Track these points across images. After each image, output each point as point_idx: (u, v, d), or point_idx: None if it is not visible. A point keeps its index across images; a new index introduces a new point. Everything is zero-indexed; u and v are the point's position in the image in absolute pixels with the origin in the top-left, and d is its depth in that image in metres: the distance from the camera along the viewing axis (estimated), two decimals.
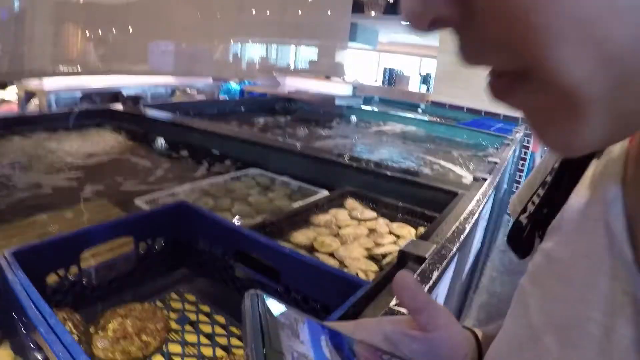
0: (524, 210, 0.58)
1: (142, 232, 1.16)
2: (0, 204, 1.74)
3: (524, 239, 0.57)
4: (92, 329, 1.03)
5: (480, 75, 0.29)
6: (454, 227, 1.24)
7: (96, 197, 1.89)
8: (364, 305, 0.84)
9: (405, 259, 1.05)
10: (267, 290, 1.04)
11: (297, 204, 1.76)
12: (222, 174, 2.08)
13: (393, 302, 0.84)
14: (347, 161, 2.01)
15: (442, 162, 2.91)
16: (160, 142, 2.64)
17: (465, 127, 4.09)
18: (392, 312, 0.81)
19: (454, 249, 1.10)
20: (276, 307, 0.43)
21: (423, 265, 1.00)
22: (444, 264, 1.01)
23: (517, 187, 4.08)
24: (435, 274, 0.97)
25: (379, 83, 10.97)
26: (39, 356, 0.81)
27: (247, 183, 2.02)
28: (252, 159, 2.29)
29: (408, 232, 1.63)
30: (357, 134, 3.98)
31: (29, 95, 3.72)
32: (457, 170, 2.72)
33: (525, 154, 5.00)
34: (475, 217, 1.37)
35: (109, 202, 1.85)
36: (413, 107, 5.47)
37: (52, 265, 0.99)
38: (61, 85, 3.80)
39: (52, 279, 1.00)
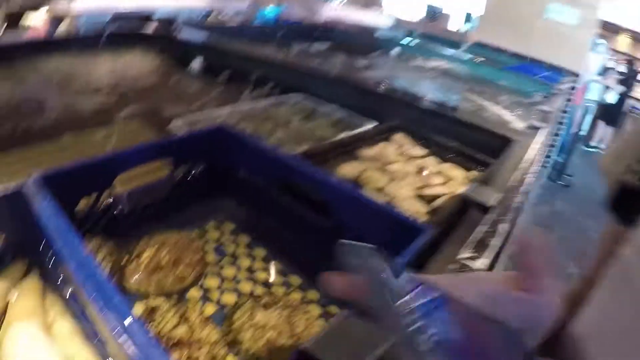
0: (631, 172, 0.50)
1: (181, 155, 1.08)
2: (32, 126, 1.66)
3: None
4: (124, 260, 0.97)
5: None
6: (516, 176, 1.12)
7: (130, 120, 1.81)
8: (429, 255, 0.75)
9: (466, 205, 0.94)
10: (314, 224, 1.00)
11: (342, 135, 1.66)
12: (263, 99, 1.99)
13: (464, 254, 0.75)
14: (395, 93, 1.88)
15: (487, 105, 2.77)
16: (196, 65, 2.53)
17: (511, 71, 3.91)
18: (462, 267, 0.72)
19: (519, 201, 0.99)
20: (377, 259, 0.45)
21: (492, 216, 0.90)
22: (510, 216, 0.91)
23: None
24: (503, 227, 0.86)
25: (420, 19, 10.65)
26: (67, 288, 0.75)
27: (289, 109, 1.92)
28: (293, 85, 2.16)
29: (459, 175, 1.53)
30: (397, 68, 3.81)
31: (57, 19, 3.62)
32: (505, 115, 2.58)
33: (567, 106, 4.79)
34: (537, 168, 1.25)
35: (144, 125, 1.77)
36: (455, 46, 5.26)
37: (84, 190, 0.92)
38: (91, 7, 3.70)
39: (83, 205, 0.94)
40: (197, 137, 1.12)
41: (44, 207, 0.76)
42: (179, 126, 1.52)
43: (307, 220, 1.03)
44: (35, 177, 0.82)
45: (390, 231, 0.86)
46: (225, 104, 1.88)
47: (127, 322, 0.54)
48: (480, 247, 0.77)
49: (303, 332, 0.89)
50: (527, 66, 4.53)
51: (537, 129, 1.66)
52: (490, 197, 0.94)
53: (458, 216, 0.90)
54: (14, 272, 0.88)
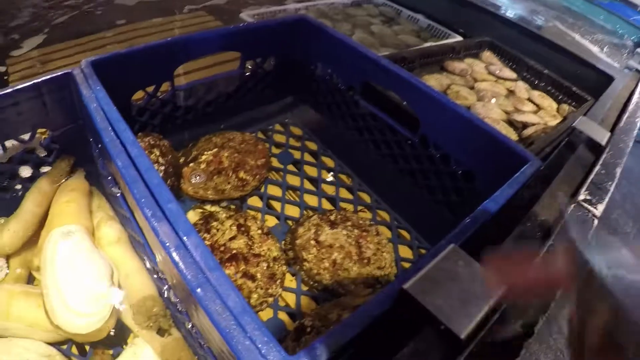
0: None
1: (251, 47, 0.96)
2: (84, 14, 1.58)
3: None
4: (181, 160, 0.89)
5: None
6: (622, 118, 0.97)
7: (194, 9, 1.71)
8: (539, 191, 0.64)
9: (575, 141, 0.80)
10: (395, 136, 0.89)
11: (427, 44, 1.52)
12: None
13: (581, 196, 0.63)
14: (487, 6, 1.70)
15: (577, 37, 2.52)
16: None
17: (605, 9, 3.60)
18: (583, 211, 0.61)
19: (630, 145, 0.85)
20: None
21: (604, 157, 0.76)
22: (623, 160, 0.78)
23: None
24: (618, 171, 0.74)
25: None
26: (115, 190, 0.68)
27: (370, 10, 1.78)
28: None
29: (550, 106, 1.38)
30: None
31: None
32: (596, 51, 2.34)
33: None
34: None
35: (209, 15, 1.67)
36: None
37: (139, 80, 0.83)
38: None
39: (138, 97, 0.85)
40: (273, 27, 0.99)
41: (92, 98, 0.67)
42: (248, 17, 1.41)
43: (387, 130, 0.92)
44: (86, 62, 0.73)
45: (490, 156, 0.74)
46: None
47: (180, 230, 0.47)
48: (596, 190, 0.65)
49: (373, 257, 0.81)
50: (618, 5, 4.17)
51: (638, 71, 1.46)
52: (604, 135, 0.81)
53: (570, 151, 0.77)
54: (59, 170, 0.82)
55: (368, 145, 0.97)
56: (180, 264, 0.44)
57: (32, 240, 0.78)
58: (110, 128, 0.60)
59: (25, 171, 0.81)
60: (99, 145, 0.66)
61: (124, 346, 0.72)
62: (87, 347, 0.73)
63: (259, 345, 0.38)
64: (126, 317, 0.70)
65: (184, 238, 0.46)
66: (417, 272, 0.45)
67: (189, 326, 0.57)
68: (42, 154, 0.82)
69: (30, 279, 0.76)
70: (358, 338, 0.44)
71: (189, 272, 0.43)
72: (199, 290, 0.42)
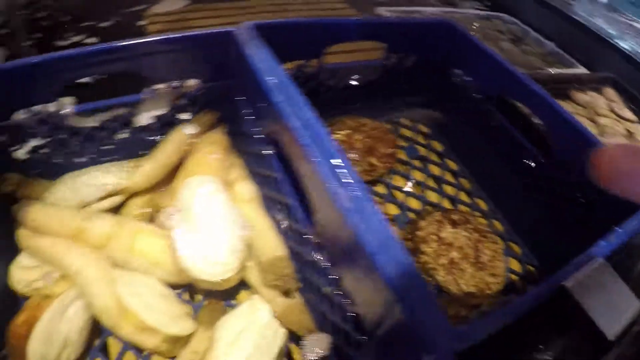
0: None
1: (396, 41, 0.97)
2: None
3: None
4: None
5: None
6: None
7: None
8: None
9: None
10: (525, 154, 0.89)
11: (554, 70, 1.50)
12: (471, 9, 1.83)
13: None
14: (611, 38, 1.67)
15: None
16: None
17: None
18: None
19: None
20: None
21: None
22: None
23: None
24: None
25: None
26: (266, 151, 0.70)
27: (499, 26, 1.76)
28: (502, 2, 1.96)
29: None
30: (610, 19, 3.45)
31: None
32: None
33: None
34: None
35: (344, 2, 1.69)
36: None
37: (294, 52, 0.85)
38: None
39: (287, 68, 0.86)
40: (419, 25, 1.00)
41: (260, 57, 0.69)
42: (385, 13, 1.42)
43: (515, 145, 0.91)
44: (249, 24, 0.76)
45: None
46: (429, 6, 1.75)
47: (360, 196, 0.48)
48: None
49: (488, 263, 0.81)
50: None
51: None
52: None
53: None
54: (201, 122, 0.85)
55: (493, 155, 0.97)
56: (359, 227, 0.45)
57: (158, 184, 0.82)
58: (280, 89, 0.62)
59: (165, 117, 0.85)
60: (261, 105, 0.68)
61: (233, 301, 0.75)
62: (200, 297, 0.76)
63: (430, 314, 0.40)
64: (249, 274, 0.72)
65: (364, 204, 0.47)
66: (573, 273, 0.48)
67: (329, 290, 0.58)
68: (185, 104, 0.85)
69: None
70: (511, 326, 0.45)
71: (369, 238, 0.45)
72: (378, 255, 0.43)
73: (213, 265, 0.64)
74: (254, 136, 0.77)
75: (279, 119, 0.60)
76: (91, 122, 0.81)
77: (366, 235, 0.45)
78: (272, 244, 0.71)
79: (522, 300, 0.47)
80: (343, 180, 0.49)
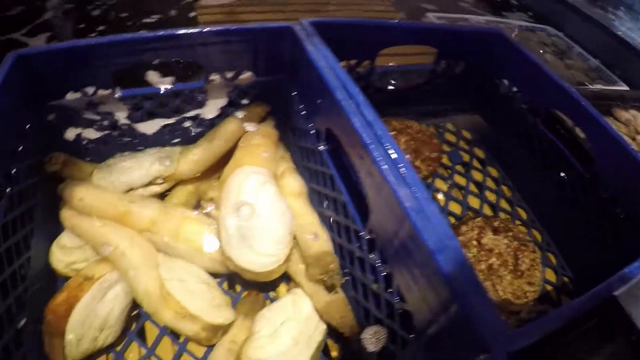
0: None
1: (447, 47, 0.98)
2: None
3: None
4: None
5: None
6: None
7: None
8: None
9: None
10: (566, 166, 0.89)
11: (598, 86, 1.49)
12: (516, 20, 1.82)
13: None
14: None
15: None
16: None
17: None
18: None
19: None
20: None
21: None
22: None
23: None
24: None
25: None
26: (319, 146, 0.71)
27: (543, 38, 1.75)
28: (549, 18, 1.96)
29: None
30: None
31: None
32: None
33: None
34: None
35: (392, 6, 1.70)
36: None
37: (349, 51, 0.86)
38: None
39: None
40: (470, 33, 1.01)
41: (320, 54, 0.70)
42: (434, 19, 1.43)
43: (559, 158, 0.91)
44: (307, 21, 0.77)
45: None
46: (475, 14, 1.75)
47: (420, 197, 0.49)
48: None
49: (526, 271, 0.82)
50: None
51: None
52: None
53: None
54: (253, 114, 0.86)
55: (535, 165, 0.97)
56: (420, 226, 0.46)
57: (205, 173, 0.83)
58: (342, 87, 0.63)
59: (216, 107, 0.86)
60: (318, 101, 0.69)
61: (272, 294, 0.76)
62: (239, 288, 0.77)
63: (487, 314, 0.40)
64: (293, 267, 0.72)
65: (426, 204, 0.48)
66: (621, 284, 0.49)
67: (377, 287, 0.59)
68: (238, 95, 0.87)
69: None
70: (560, 331, 0.45)
71: (430, 236, 0.45)
72: (438, 254, 0.44)
73: (260, 255, 0.65)
74: (306, 131, 0.77)
75: (340, 116, 0.61)
76: (142, 107, 0.83)
77: (427, 234, 0.45)
78: (319, 239, 0.71)
79: (572, 306, 0.48)
80: (406, 181, 0.50)
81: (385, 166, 0.52)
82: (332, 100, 0.62)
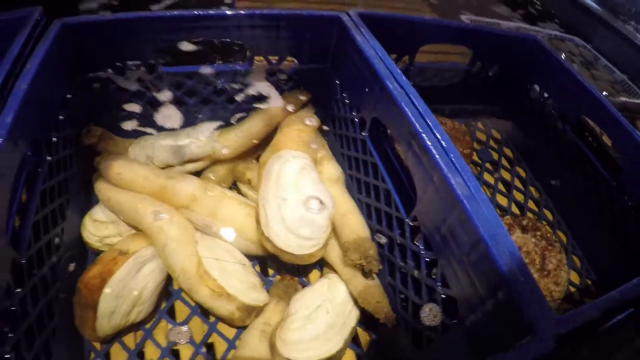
0: None
1: (482, 49, 1.00)
2: None
3: None
4: None
5: None
6: None
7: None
8: None
9: None
10: (593, 174, 0.90)
11: (624, 99, 1.49)
12: (538, 27, 1.83)
13: None
14: None
15: None
16: None
17: None
18: None
19: None
20: None
21: None
22: None
23: None
24: None
25: None
26: (361, 135, 0.72)
27: (571, 48, 1.75)
28: (575, 26, 1.95)
29: None
30: None
31: None
32: None
33: None
34: None
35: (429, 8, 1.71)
36: None
37: (391, 45, 0.86)
38: None
39: None
40: (506, 37, 1.02)
41: (369, 44, 0.72)
42: (467, 19, 1.44)
43: (587, 164, 0.92)
44: (354, 12, 0.79)
45: None
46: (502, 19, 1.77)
47: (471, 186, 0.51)
48: None
49: (553, 271, 0.83)
50: None
51: None
52: None
53: None
54: (294, 100, 0.88)
55: (563, 169, 0.99)
56: (472, 213, 0.48)
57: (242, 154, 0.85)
58: (392, 77, 0.64)
59: (258, 91, 0.87)
60: (365, 90, 0.71)
61: (305, 279, 0.77)
62: (270, 271, 0.78)
63: (535, 298, 0.42)
64: (330, 252, 0.73)
65: (478, 193, 0.50)
66: None
67: (417, 274, 0.61)
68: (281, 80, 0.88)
69: None
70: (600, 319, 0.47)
71: (481, 223, 0.47)
72: (489, 240, 0.46)
73: (299, 238, 0.65)
74: (348, 120, 0.79)
75: (390, 105, 0.62)
76: (183, 86, 0.84)
77: (479, 221, 0.47)
78: (356, 225, 0.72)
79: (612, 296, 0.49)
80: (458, 169, 0.51)
81: (437, 155, 0.53)
82: (382, 89, 0.64)
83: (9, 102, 0.52)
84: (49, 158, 0.63)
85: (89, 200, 0.78)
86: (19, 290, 0.50)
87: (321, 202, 0.68)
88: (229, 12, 0.76)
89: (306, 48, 0.83)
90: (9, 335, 0.47)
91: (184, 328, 0.70)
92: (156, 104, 0.84)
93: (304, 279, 0.78)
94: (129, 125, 0.84)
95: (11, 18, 0.68)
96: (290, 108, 0.85)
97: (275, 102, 0.85)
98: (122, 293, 0.63)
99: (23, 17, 0.67)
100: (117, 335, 0.67)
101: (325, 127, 0.89)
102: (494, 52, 1.01)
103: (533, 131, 1.06)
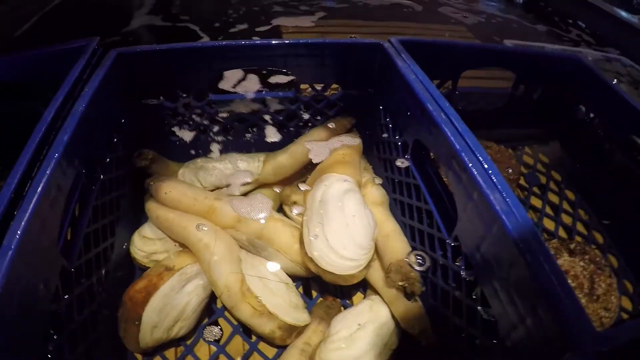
0: None
1: (526, 72, 1.00)
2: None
3: None
4: None
5: None
6: None
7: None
8: None
9: None
10: None
11: None
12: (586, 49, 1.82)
13: None
14: None
15: None
16: None
17: None
18: None
19: None
20: None
21: None
22: None
23: None
24: None
25: None
26: (401, 162, 0.73)
27: (618, 68, 1.72)
28: (623, 46, 1.90)
29: None
30: None
31: None
32: None
33: None
34: None
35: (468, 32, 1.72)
36: None
37: (433, 70, 0.87)
38: None
39: None
40: (549, 58, 1.01)
41: (410, 69, 0.73)
42: (510, 43, 1.44)
43: (636, 187, 0.91)
44: (395, 39, 0.81)
45: None
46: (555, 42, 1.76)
47: (511, 203, 0.50)
48: None
49: (602, 296, 0.81)
50: None
51: None
52: None
53: None
54: (340, 125, 0.89)
55: (613, 191, 0.97)
56: (511, 229, 0.48)
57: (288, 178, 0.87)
58: (433, 100, 0.65)
59: (303, 117, 0.90)
60: (408, 114, 0.72)
61: (347, 301, 0.78)
62: (314, 292, 0.79)
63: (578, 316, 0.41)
64: (372, 274, 0.74)
65: (515, 209, 0.49)
66: None
67: (457, 294, 0.60)
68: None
69: None
70: None
71: (521, 238, 0.47)
72: (528, 255, 0.45)
73: (342, 259, 0.66)
74: (391, 143, 0.80)
75: (431, 127, 0.63)
76: (231, 113, 0.87)
77: (518, 236, 0.47)
78: (399, 247, 0.73)
79: None
80: (497, 186, 0.52)
81: (476, 172, 0.53)
82: (424, 112, 0.65)
83: (66, 122, 0.56)
84: (102, 176, 0.67)
85: (138, 220, 0.81)
86: (66, 296, 0.54)
87: (364, 223, 0.69)
88: (274, 42, 0.78)
89: (350, 75, 0.85)
90: (54, 336, 0.50)
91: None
92: (205, 130, 0.86)
93: (346, 301, 0.78)
94: (178, 149, 0.87)
95: (72, 47, 0.73)
96: (335, 133, 0.86)
97: (321, 127, 0.87)
98: (166, 308, 0.66)
99: (82, 46, 0.72)
100: (159, 348, 0.69)
101: (367, 153, 0.90)
102: (537, 74, 1.00)
103: (580, 153, 1.05)
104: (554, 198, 1.03)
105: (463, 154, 0.55)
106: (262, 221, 0.75)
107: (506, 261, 0.49)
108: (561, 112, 1.06)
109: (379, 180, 0.86)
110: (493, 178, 0.52)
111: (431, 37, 1.65)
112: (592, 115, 1.00)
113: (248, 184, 0.85)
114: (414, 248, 0.73)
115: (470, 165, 0.54)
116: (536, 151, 1.14)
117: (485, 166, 0.54)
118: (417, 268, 0.68)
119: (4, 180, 0.47)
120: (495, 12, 2.04)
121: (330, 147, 0.84)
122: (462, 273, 0.60)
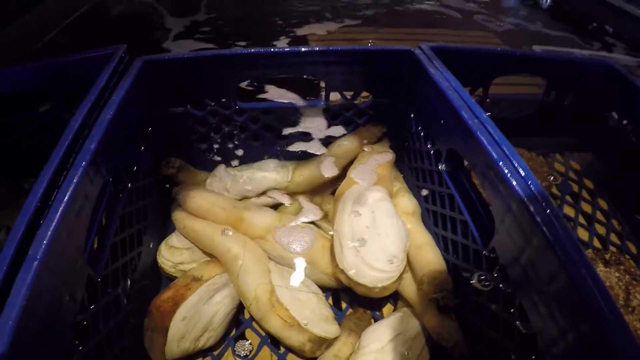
0: None
1: (557, 78, 0.98)
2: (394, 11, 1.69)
3: None
4: None
5: None
6: None
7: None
8: None
9: None
10: None
11: None
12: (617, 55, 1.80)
13: None
14: None
15: None
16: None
17: None
18: None
19: None
20: None
21: None
22: None
23: None
24: None
25: None
26: (438, 167, 0.72)
27: None
28: None
29: None
30: None
31: None
32: None
33: None
34: None
35: (496, 38, 1.71)
36: None
37: (465, 77, 0.86)
38: None
39: None
40: (580, 64, 0.99)
41: (442, 76, 0.72)
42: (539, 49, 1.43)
43: None
44: (426, 46, 0.80)
45: None
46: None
47: (550, 212, 0.49)
48: None
49: (638, 308, 0.79)
50: None
51: None
52: None
53: None
54: (370, 134, 0.88)
55: None
56: (553, 240, 0.46)
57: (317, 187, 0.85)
58: (467, 107, 0.64)
59: (333, 125, 0.89)
60: (440, 122, 0.71)
61: (378, 313, 0.76)
62: (344, 304, 0.77)
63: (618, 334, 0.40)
64: (404, 286, 0.72)
65: (555, 220, 0.48)
66: None
67: (494, 307, 0.59)
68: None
69: None
70: None
71: (562, 251, 0.45)
72: (570, 268, 0.44)
73: (374, 271, 0.65)
74: (424, 152, 0.79)
75: (466, 135, 0.62)
76: (259, 121, 0.86)
77: (560, 249, 0.46)
78: (432, 258, 0.71)
79: None
80: (536, 196, 0.50)
81: (515, 182, 0.52)
82: (457, 120, 0.63)
83: (93, 131, 0.56)
84: (129, 185, 0.67)
85: (165, 229, 0.81)
86: (92, 306, 0.53)
87: (396, 234, 0.68)
88: (303, 49, 0.78)
89: (380, 82, 0.84)
90: (79, 347, 0.49)
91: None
92: (232, 138, 0.86)
93: (377, 313, 0.77)
94: (206, 157, 0.87)
95: (99, 55, 0.73)
96: (365, 142, 0.85)
97: (351, 136, 0.86)
98: (193, 319, 0.65)
99: (109, 54, 0.72)
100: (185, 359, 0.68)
101: (398, 162, 0.89)
102: (568, 80, 0.98)
103: (613, 161, 1.03)
104: (586, 207, 1.01)
105: (501, 163, 0.54)
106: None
107: (546, 274, 0.47)
108: (593, 119, 1.04)
109: (410, 190, 0.84)
110: (532, 188, 0.51)
111: (459, 43, 1.65)
112: (624, 122, 0.98)
113: (277, 193, 0.84)
114: (447, 260, 0.72)
115: (508, 175, 0.53)
116: (568, 159, 1.12)
117: (524, 175, 0.52)
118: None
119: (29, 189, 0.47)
120: (520, 19, 2.03)
121: (360, 156, 0.84)
122: (500, 285, 0.58)
